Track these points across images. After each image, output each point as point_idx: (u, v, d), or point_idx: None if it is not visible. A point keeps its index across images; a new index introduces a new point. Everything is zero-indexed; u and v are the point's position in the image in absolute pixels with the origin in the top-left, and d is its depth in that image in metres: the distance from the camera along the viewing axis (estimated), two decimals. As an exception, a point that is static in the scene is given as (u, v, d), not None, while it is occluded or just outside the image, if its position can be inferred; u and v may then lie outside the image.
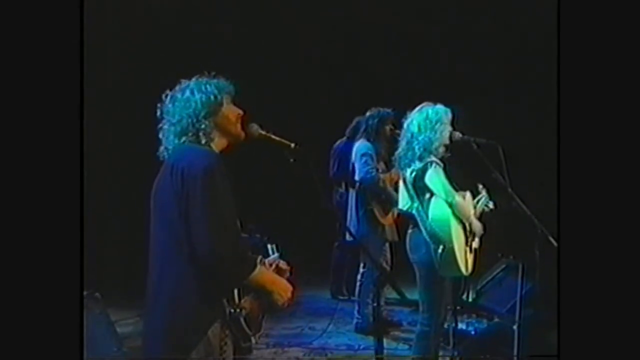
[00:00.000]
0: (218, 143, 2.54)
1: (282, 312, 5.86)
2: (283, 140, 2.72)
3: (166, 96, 2.57)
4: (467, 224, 3.83)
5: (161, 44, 6.44)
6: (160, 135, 2.57)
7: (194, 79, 2.57)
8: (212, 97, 2.52)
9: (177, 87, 2.58)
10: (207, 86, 2.53)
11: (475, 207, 4.01)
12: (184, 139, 2.50)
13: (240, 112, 2.59)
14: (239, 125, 2.59)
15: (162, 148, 2.57)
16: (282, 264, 2.61)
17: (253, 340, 2.51)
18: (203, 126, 2.49)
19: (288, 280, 2.58)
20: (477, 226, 3.90)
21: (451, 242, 3.67)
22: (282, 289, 2.51)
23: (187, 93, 2.52)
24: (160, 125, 2.56)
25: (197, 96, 2.50)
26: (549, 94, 2.72)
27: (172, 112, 2.52)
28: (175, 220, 2.35)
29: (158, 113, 2.58)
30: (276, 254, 2.64)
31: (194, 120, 2.49)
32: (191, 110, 2.49)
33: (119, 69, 6.35)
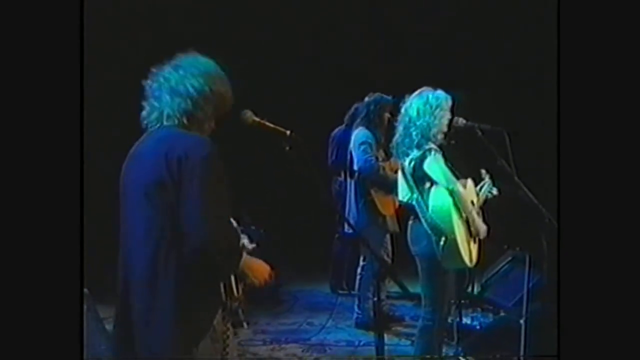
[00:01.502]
0: (203, 129, 2.53)
1: (279, 308, 5.95)
2: (278, 128, 2.71)
3: (162, 69, 2.52)
4: (470, 219, 3.82)
5: (160, 38, 6.45)
6: (149, 104, 2.52)
7: (197, 60, 2.52)
8: (212, 88, 2.50)
9: (177, 63, 2.52)
10: (208, 76, 2.50)
11: (478, 195, 4.01)
12: (172, 121, 2.48)
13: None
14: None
15: (147, 112, 2.52)
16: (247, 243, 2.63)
17: (245, 326, 2.55)
18: (197, 112, 2.48)
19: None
20: (481, 228, 3.87)
21: (453, 233, 3.68)
22: (257, 271, 2.55)
23: (191, 78, 2.48)
24: (152, 92, 2.51)
25: (203, 84, 2.47)
26: (549, 83, 2.74)
27: (165, 90, 2.48)
28: (173, 210, 2.35)
29: (149, 82, 2.53)
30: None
31: (189, 106, 2.47)
32: (190, 95, 2.47)
33: (119, 66, 6.35)
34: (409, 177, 3.81)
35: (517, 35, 6.95)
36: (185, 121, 2.47)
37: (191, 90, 2.48)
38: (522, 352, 4.11)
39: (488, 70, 7.17)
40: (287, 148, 2.67)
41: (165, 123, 2.48)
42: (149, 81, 2.53)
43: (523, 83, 7.03)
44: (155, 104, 2.50)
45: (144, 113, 2.53)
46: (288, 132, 2.69)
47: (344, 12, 7.32)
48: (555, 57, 2.34)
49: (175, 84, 2.49)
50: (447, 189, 3.73)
